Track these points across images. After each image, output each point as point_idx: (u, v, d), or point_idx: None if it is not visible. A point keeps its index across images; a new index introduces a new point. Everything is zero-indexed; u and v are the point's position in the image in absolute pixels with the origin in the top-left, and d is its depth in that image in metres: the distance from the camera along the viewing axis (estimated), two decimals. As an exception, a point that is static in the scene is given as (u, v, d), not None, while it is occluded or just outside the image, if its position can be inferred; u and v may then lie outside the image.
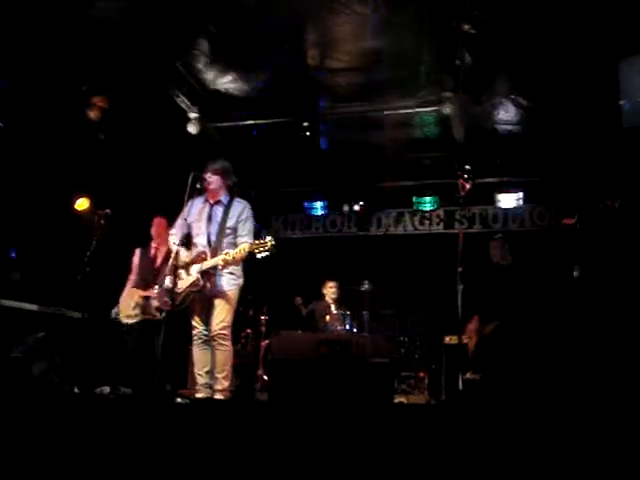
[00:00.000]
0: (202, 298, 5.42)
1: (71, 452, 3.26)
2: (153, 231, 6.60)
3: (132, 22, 5.84)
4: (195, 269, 5.35)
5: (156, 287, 5.67)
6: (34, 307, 6.22)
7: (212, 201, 5.61)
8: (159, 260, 6.45)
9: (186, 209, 5.48)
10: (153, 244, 6.58)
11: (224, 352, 5.37)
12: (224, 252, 5.27)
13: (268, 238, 5.13)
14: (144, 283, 6.33)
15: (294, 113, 7.56)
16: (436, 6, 5.56)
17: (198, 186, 5.34)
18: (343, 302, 8.27)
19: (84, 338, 6.12)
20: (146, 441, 3.30)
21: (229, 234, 5.48)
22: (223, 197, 5.63)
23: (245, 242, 5.37)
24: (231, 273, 5.44)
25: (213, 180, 5.54)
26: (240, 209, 5.57)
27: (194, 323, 5.49)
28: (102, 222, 6.37)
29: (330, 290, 8.33)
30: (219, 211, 5.56)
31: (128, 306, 6.29)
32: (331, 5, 5.56)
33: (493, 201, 8.89)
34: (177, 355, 6.61)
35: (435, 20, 5.75)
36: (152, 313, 6.12)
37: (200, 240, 5.52)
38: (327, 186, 9.52)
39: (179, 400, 5.22)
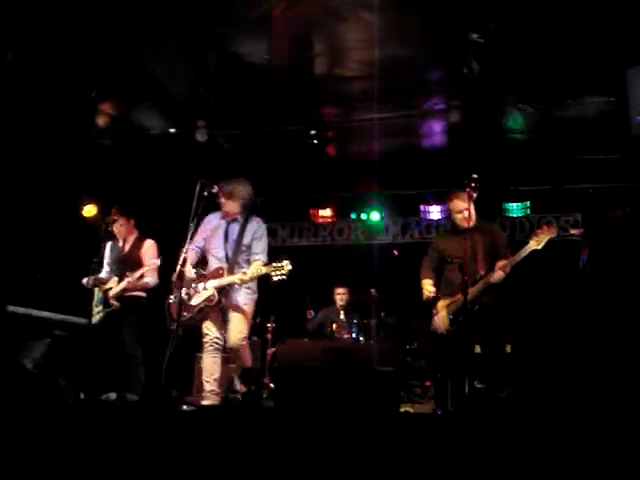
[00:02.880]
0: (216, 311, 5.55)
1: (77, 458, 3.26)
2: (117, 229, 6.45)
3: (141, 28, 5.87)
4: (212, 284, 5.49)
5: (171, 297, 5.64)
6: (41, 313, 6.22)
7: (229, 218, 5.75)
8: (127, 249, 6.42)
9: (206, 223, 5.68)
10: (120, 237, 6.48)
11: (244, 362, 5.61)
12: (241, 271, 5.44)
13: (285, 262, 5.26)
14: (105, 275, 6.30)
15: (301, 121, 7.56)
16: (444, 15, 5.57)
17: (205, 194, 5.38)
18: (352, 308, 8.27)
19: (91, 344, 6.11)
20: (152, 448, 3.30)
21: (244, 251, 5.64)
22: (239, 215, 5.76)
23: (259, 259, 5.56)
24: (248, 288, 5.62)
25: (226, 203, 5.68)
26: (255, 227, 5.73)
27: (205, 330, 5.55)
28: (110, 228, 6.39)
29: (338, 296, 8.34)
30: (235, 229, 5.70)
31: (93, 306, 6.22)
32: (339, 13, 5.57)
33: (501, 210, 8.87)
34: (183, 362, 6.59)
35: (443, 29, 5.76)
36: (111, 303, 6.09)
37: (216, 256, 5.67)
38: (334, 194, 9.52)
39: (185, 407, 5.21)
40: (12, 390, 5.13)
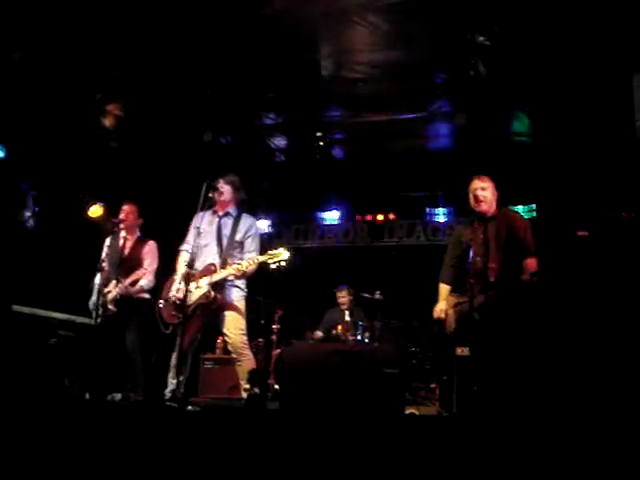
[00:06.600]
0: (209, 310, 5.42)
1: (83, 459, 3.26)
2: (123, 218, 6.30)
3: (148, 33, 5.89)
4: (205, 281, 5.34)
5: (162, 301, 5.58)
6: (46, 313, 6.22)
7: (221, 213, 5.65)
8: (127, 251, 6.32)
9: (198, 220, 5.46)
10: (122, 233, 6.35)
11: (249, 361, 5.51)
12: (236, 263, 5.31)
13: (280, 249, 5.19)
14: (107, 277, 6.11)
15: (308, 123, 7.58)
16: (451, 18, 5.58)
17: (210, 195, 5.35)
18: (357, 309, 8.26)
19: (96, 345, 6.11)
20: (157, 449, 3.31)
21: (236, 247, 5.53)
22: (232, 210, 5.67)
23: (253, 257, 5.41)
24: (237, 286, 5.51)
25: (225, 190, 5.56)
26: (249, 224, 5.63)
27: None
28: (116, 229, 6.38)
29: (342, 299, 8.33)
30: (228, 223, 5.61)
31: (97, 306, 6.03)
32: (347, 17, 5.58)
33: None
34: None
35: (450, 32, 5.77)
36: (109, 308, 6.00)
37: (208, 251, 5.53)
38: (340, 196, 9.53)
39: (190, 408, 5.20)
40: (17, 389, 5.14)
